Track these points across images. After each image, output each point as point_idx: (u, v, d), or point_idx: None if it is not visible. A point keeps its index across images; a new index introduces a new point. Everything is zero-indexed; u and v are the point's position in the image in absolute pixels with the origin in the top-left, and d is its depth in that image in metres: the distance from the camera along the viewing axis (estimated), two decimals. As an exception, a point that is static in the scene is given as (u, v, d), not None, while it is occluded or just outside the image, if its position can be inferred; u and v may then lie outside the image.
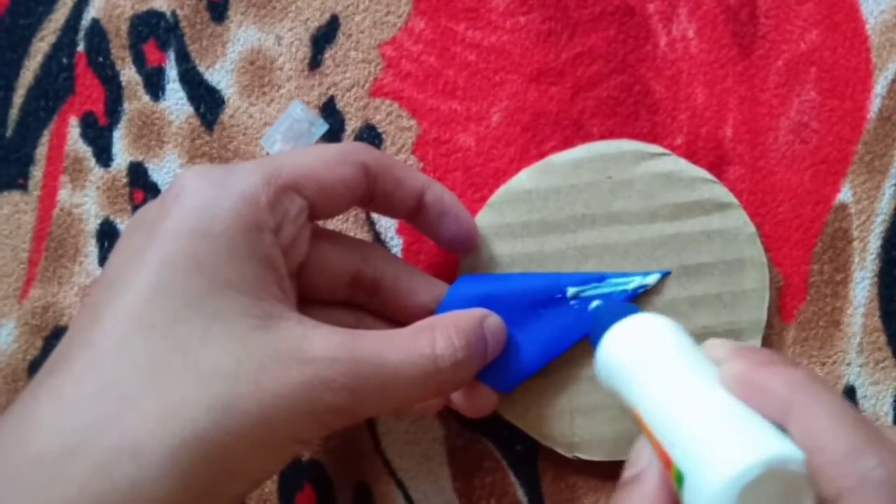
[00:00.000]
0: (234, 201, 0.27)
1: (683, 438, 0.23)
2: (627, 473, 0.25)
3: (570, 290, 0.33)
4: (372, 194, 0.30)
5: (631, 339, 0.27)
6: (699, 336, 0.33)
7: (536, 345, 0.32)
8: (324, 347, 0.26)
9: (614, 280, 0.33)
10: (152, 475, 0.24)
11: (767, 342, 0.34)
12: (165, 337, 0.25)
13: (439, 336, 0.28)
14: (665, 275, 0.33)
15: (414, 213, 0.32)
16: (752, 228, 0.34)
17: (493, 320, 0.31)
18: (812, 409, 0.21)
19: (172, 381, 0.25)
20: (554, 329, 0.32)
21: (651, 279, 0.33)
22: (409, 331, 0.29)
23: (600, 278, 0.33)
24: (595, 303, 0.32)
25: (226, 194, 0.27)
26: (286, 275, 0.28)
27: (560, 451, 0.34)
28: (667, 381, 0.25)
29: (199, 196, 0.27)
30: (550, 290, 0.33)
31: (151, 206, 0.28)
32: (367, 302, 0.32)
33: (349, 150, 0.30)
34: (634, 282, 0.33)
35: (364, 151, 0.30)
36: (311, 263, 0.30)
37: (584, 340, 0.33)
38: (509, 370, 0.32)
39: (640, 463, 0.25)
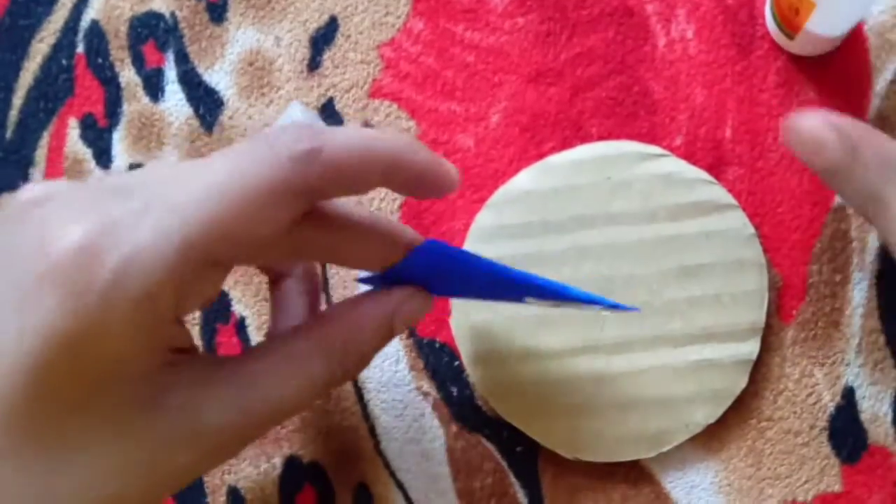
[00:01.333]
0: (133, 291, 0.21)
1: None
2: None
3: (528, 300, 0.30)
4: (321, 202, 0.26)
5: None
6: (697, 338, 0.33)
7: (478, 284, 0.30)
8: (212, 419, 0.24)
9: (573, 303, 0.30)
10: None
11: (766, 342, 0.34)
12: (39, 446, 0.22)
13: (334, 359, 0.26)
14: (631, 310, 0.32)
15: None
16: (751, 229, 0.34)
17: (411, 307, 0.28)
18: None
19: (53, 493, 0.22)
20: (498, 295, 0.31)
21: (610, 312, 0.31)
22: (303, 351, 0.26)
23: (562, 296, 0.29)
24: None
25: (127, 276, 0.21)
26: (184, 330, 0.25)
27: (561, 452, 0.34)
28: None
29: (89, 271, 0.21)
30: (510, 292, 0.30)
31: (7, 244, 0.22)
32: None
33: (281, 177, 0.22)
34: (593, 310, 0.31)
35: (298, 168, 0.23)
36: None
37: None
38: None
39: None
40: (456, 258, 0.29)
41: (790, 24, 0.33)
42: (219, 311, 0.36)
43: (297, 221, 0.24)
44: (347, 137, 0.24)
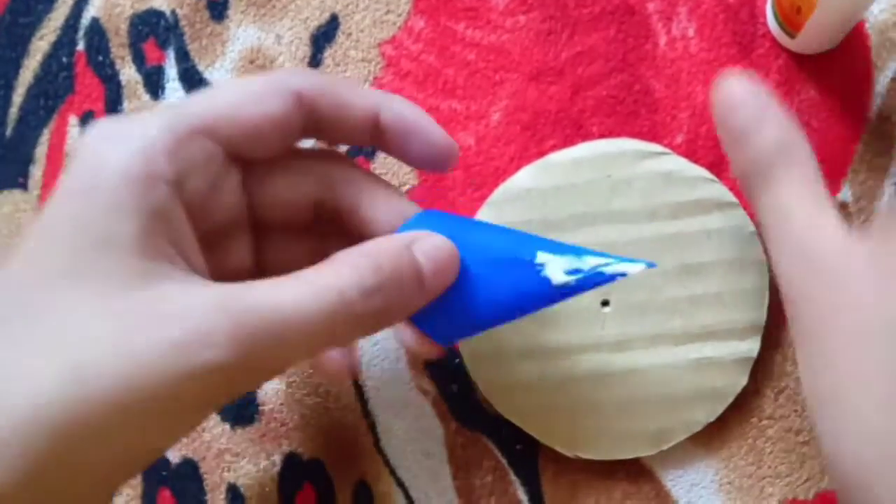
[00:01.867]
0: (124, 153, 0.24)
1: None
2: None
3: (540, 256, 0.28)
4: (315, 125, 0.27)
5: None
6: (698, 336, 0.33)
7: (490, 304, 0.28)
8: (204, 299, 0.23)
9: (591, 259, 0.28)
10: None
11: (767, 341, 0.34)
12: (30, 305, 0.23)
13: (344, 265, 0.25)
14: (650, 266, 0.29)
15: (375, 139, 0.28)
16: (752, 227, 0.34)
17: (432, 241, 0.27)
18: None
19: (25, 352, 0.22)
20: (512, 292, 0.28)
21: (633, 268, 0.28)
22: (313, 267, 0.25)
23: (577, 252, 0.28)
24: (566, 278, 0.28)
25: (118, 146, 0.24)
26: (188, 229, 0.25)
27: (561, 449, 0.34)
28: None
29: (92, 151, 0.24)
30: (519, 250, 0.28)
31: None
32: (333, 230, 0.29)
33: (277, 78, 0.26)
34: (614, 267, 0.28)
35: (296, 76, 0.26)
36: (261, 201, 0.28)
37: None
38: (452, 322, 0.28)
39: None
40: (459, 221, 0.29)
41: (792, 22, 0.33)
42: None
43: (292, 126, 0.26)
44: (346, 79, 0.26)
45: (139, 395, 0.22)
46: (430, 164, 0.29)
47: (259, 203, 0.28)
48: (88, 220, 0.23)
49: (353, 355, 0.32)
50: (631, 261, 0.28)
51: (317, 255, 0.26)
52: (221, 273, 0.27)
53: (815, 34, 0.33)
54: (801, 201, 0.27)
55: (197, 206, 0.25)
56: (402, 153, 0.28)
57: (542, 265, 0.28)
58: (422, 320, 0.28)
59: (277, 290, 0.24)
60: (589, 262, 0.28)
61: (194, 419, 0.25)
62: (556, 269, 0.28)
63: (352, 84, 0.28)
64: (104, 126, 0.25)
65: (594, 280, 0.28)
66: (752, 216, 0.34)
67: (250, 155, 0.26)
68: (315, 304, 0.23)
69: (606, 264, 0.28)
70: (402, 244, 0.26)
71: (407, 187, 0.36)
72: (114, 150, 0.24)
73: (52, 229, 0.24)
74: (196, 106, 0.25)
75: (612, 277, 0.28)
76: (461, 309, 0.28)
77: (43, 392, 0.21)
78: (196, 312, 0.22)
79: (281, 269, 0.25)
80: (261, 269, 0.29)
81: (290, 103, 0.26)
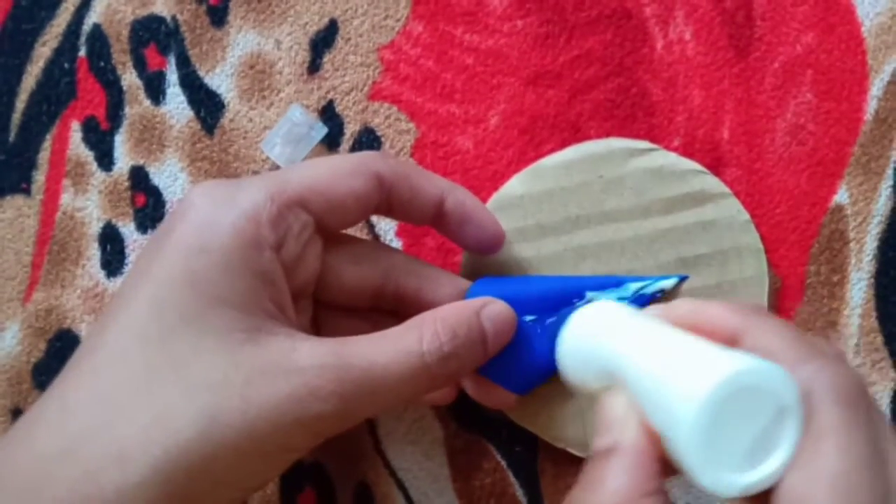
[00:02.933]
0: (235, 217, 0.27)
1: (653, 385, 0.23)
2: (600, 443, 0.24)
3: (589, 294, 0.32)
4: (388, 204, 0.30)
5: (595, 317, 0.28)
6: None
7: (553, 347, 0.31)
8: (310, 356, 0.26)
9: (633, 285, 0.33)
10: (135, 482, 0.24)
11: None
12: (160, 350, 0.26)
13: (426, 331, 0.28)
14: (682, 279, 0.33)
15: (435, 221, 0.31)
16: (745, 216, 0.34)
17: (496, 308, 0.30)
18: (761, 329, 0.24)
19: (162, 392, 0.25)
20: None
21: (668, 283, 0.33)
22: (399, 329, 0.28)
23: (618, 283, 0.33)
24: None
25: (228, 210, 0.27)
26: (286, 290, 0.28)
27: (574, 451, 0.34)
28: (630, 338, 0.25)
29: (203, 212, 0.27)
30: (570, 294, 0.32)
31: (163, 224, 0.29)
32: (393, 309, 0.32)
33: (362, 161, 0.30)
34: (653, 287, 0.33)
35: (378, 161, 0.30)
36: (328, 279, 0.30)
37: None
38: (522, 370, 0.32)
39: (613, 430, 0.24)
40: (511, 280, 0.33)
41: None
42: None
43: (370, 200, 0.29)
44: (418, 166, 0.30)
45: (259, 443, 0.25)
46: (479, 247, 0.32)
47: (328, 280, 0.31)
48: (205, 277, 0.26)
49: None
50: (666, 278, 0.33)
51: (363, 331, 0.29)
52: None
53: None
54: None
55: (290, 269, 0.28)
56: (457, 236, 0.32)
57: (591, 302, 0.32)
58: (496, 373, 0.31)
59: (372, 350, 0.27)
60: (631, 289, 0.33)
61: (295, 457, 0.28)
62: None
63: (424, 172, 0.31)
64: (212, 188, 0.28)
65: (638, 302, 0.33)
66: (746, 210, 0.34)
67: (334, 225, 0.30)
68: (402, 366, 0.27)
69: (645, 286, 0.33)
70: (473, 311, 0.29)
71: (406, 191, 0.36)
72: (226, 214, 0.27)
73: (172, 282, 0.26)
74: (295, 178, 0.28)
75: (653, 296, 0.33)
76: (530, 357, 0.31)
77: (182, 437, 0.25)
78: (306, 369, 0.26)
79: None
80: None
81: (373, 184, 0.29)
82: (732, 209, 0.34)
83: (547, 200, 0.34)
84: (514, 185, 0.35)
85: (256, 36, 0.37)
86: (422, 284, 0.32)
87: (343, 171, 0.29)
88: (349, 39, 0.37)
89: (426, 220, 0.31)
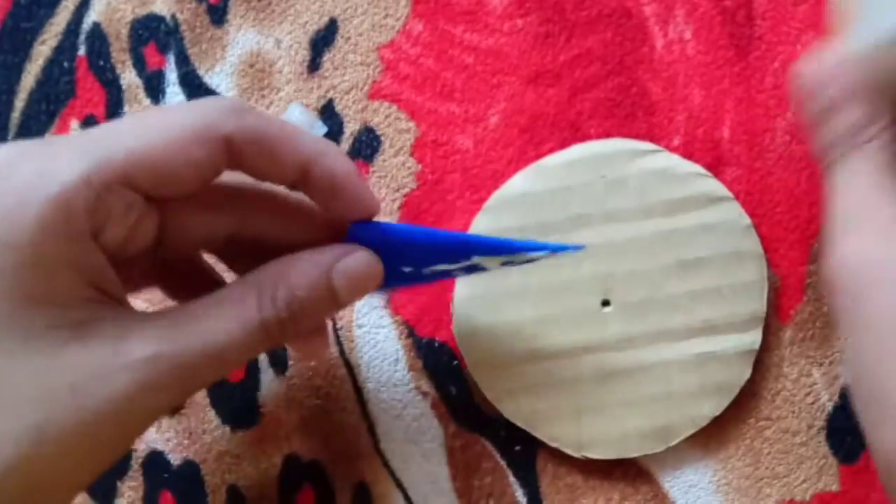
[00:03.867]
0: (43, 208, 0.23)
1: None
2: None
3: (475, 259, 0.30)
4: (239, 167, 0.27)
5: None
6: (700, 331, 0.33)
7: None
8: (142, 346, 0.24)
9: (525, 255, 0.30)
10: None
11: (765, 342, 0.34)
12: None
13: (263, 295, 0.26)
14: (577, 249, 0.31)
15: (301, 187, 0.28)
16: (747, 220, 0.34)
17: (355, 261, 0.27)
18: None
19: None
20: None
21: (538, 255, 0.30)
22: (236, 289, 0.26)
23: (511, 250, 0.30)
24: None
25: (35, 196, 0.23)
26: (111, 272, 0.25)
27: (568, 451, 0.34)
28: None
29: (6, 198, 0.23)
30: (457, 252, 0.29)
31: None
32: (252, 254, 0.29)
33: (208, 121, 0.25)
34: (542, 257, 0.30)
35: (229, 119, 0.25)
36: (169, 236, 0.28)
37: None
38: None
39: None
40: (392, 230, 0.29)
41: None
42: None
43: (215, 169, 0.26)
44: (278, 119, 0.26)
45: (97, 443, 0.24)
46: (352, 220, 0.29)
47: (172, 238, 0.28)
48: (12, 276, 0.23)
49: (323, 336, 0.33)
50: (559, 248, 0.30)
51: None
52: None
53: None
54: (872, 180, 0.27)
55: (116, 248, 0.26)
56: (325, 208, 0.29)
57: (480, 266, 0.30)
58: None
59: (208, 324, 0.25)
60: (522, 258, 0.30)
61: (137, 436, 0.27)
62: (492, 265, 0.30)
63: (287, 132, 0.27)
64: (17, 159, 0.24)
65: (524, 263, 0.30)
66: (746, 209, 0.34)
67: (167, 196, 0.26)
68: (241, 334, 0.25)
69: (537, 257, 0.30)
70: (324, 269, 0.27)
71: (405, 191, 0.36)
72: (33, 201, 0.23)
73: None
74: (120, 148, 0.24)
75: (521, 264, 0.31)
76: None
77: (6, 457, 0.23)
78: (139, 362, 0.24)
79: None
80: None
81: (217, 151, 0.25)
82: (734, 213, 0.34)
83: (549, 199, 0.34)
84: (517, 183, 0.35)
85: (256, 35, 0.37)
86: (284, 230, 0.29)
87: (182, 137, 0.25)
88: (349, 38, 0.37)
89: (287, 185, 0.28)
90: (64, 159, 0.24)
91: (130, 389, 0.24)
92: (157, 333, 0.25)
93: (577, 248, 0.31)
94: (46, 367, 0.23)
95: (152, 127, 0.25)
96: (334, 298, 0.27)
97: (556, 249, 0.30)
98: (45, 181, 0.23)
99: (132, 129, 0.25)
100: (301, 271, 0.27)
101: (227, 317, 0.25)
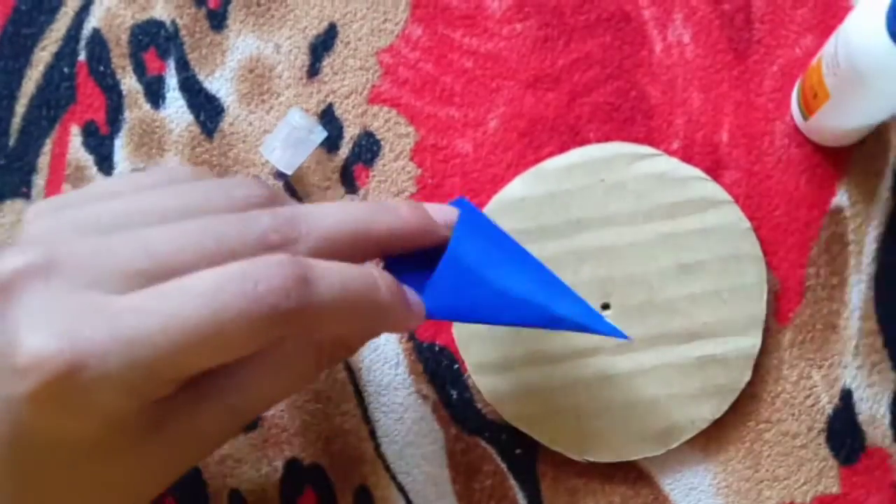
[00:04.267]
0: (89, 429, 0.22)
1: None
2: None
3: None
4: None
5: None
6: (699, 334, 0.33)
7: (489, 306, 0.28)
8: (215, 427, 0.25)
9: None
10: None
11: (764, 345, 0.34)
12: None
13: (323, 358, 0.27)
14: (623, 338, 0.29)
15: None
16: (746, 224, 0.34)
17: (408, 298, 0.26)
18: None
19: None
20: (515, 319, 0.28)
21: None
22: (292, 352, 0.26)
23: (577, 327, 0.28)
24: None
25: (80, 414, 0.22)
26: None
27: (570, 454, 0.34)
28: None
29: (47, 414, 0.21)
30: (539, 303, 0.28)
31: None
32: None
33: (263, 309, 0.22)
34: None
35: (290, 300, 0.22)
36: None
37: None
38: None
39: None
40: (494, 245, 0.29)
41: (807, 105, 0.33)
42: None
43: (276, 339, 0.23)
44: (335, 276, 0.23)
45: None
46: None
47: None
48: (38, 482, 0.23)
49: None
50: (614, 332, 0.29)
51: None
52: None
53: (825, 124, 0.33)
54: None
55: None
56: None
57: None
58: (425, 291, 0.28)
59: (265, 385, 0.26)
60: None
61: None
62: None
63: (351, 302, 0.24)
64: (67, 342, 0.21)
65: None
66: (745, 212, 0.34)
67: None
68: (287, 388, 0.27)
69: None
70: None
71: (405, 195, 0.36)
72: (78, 419, 0.22)
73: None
74: (163, 350, 0.21)
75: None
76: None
77: None
78: (210, 435, 0.26)
79: None
80: None
81: (277, 331, 0.22)
82: (733, 216, 0.34)
83: (549, 203, 0.34)
84: (516, 186, 0.35)
85: (256, 40, 0.37)
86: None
87: (230, 337, 0.22)
88: (348, 43, 0.37)
89: None
90: (114, 371, 0.21)
91: (199, 455, 0.26)
92: (223, 411, 0.25)
93: (624, 337, 0.29)
94: (136, 467, 0.24)
95: (197, 325, 0.21)
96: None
97: (608, 333, 0.28)
98: (90, 396, 0.21)
99: (177, 325, 0.22)
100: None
101: (284, 376, 0.26)
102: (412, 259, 0.28)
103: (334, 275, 0.23)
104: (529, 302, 0.28)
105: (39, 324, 0.21)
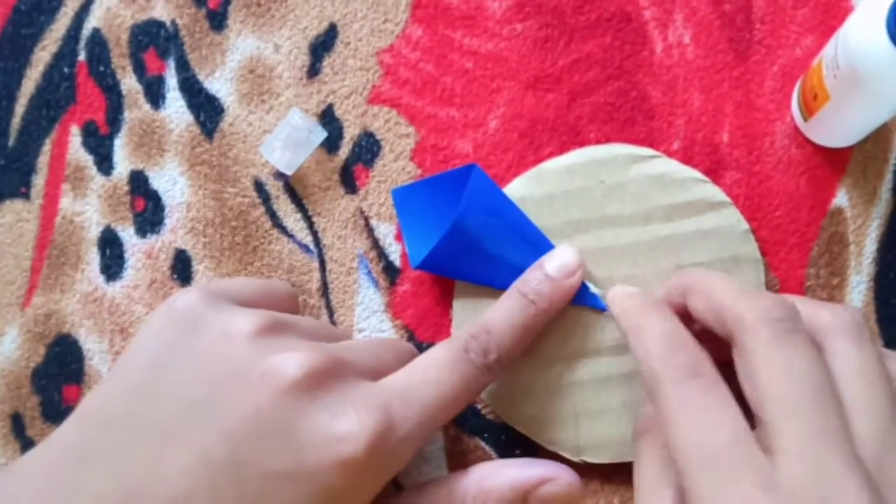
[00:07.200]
0: (383, 478, 0.29)
1: None
2: (639, 426, 0.30)
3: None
4: None
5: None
6: (698, 334, 0.33)
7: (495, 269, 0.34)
8: None
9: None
10: None
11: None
12: None
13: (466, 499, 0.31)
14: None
15: None
16: (745, 226, 0.34)
17: (555, 487, 0.31)
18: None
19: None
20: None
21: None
22: (446, 488, 0.31)
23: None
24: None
25: (382, 468, 0.28)
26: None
27: (566, 455, 0.34)
28: None
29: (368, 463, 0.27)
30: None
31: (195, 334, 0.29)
32: None
33: (475, 381, 0.30)
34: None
35: (489, 376, 0.31)
36: None
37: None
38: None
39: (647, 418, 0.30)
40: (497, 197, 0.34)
41: (808, 106, 0.33)
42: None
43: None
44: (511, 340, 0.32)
45: None
46: None
47: None
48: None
49: None
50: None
51: None
52: None
53: (825, 125, 0.33)
54: None
55: None
56: None
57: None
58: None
59: None
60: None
61: None
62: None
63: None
64: (380, 424, 0.28)
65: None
66: (748, 221, 0.34)
67: None
68: None
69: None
70: (519, 493, 0.31)
71: (405, 195, 0.36)
72: (389, 455, 0.28)
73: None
74: (428, 419, 0.29)
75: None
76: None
77: None
78: None
79: None
80: None
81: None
82: (732, 219, 0.34)
83: (548, 204, 0.34)
84: (516, 187, 0.35)
85: (256, 40, 0.37)
86: None
87: (459, 401, 0.30)
88: (348, 43, 0.37)
89: None
90: (405, 434, 0.28)
91: None
92: None
93: (604, 308, 0.34)
94: None
95: (443, 397, 0.30)
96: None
97: (588, 304, 0.34)
98: (398, 455, 0.29)
99: (432, 400, 0.29)
100: (501, 485, 0.31)
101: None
102: (420, 207, 0.35)
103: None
104: (522, 269, 0.33)
105: (357, 403, 0.28)
